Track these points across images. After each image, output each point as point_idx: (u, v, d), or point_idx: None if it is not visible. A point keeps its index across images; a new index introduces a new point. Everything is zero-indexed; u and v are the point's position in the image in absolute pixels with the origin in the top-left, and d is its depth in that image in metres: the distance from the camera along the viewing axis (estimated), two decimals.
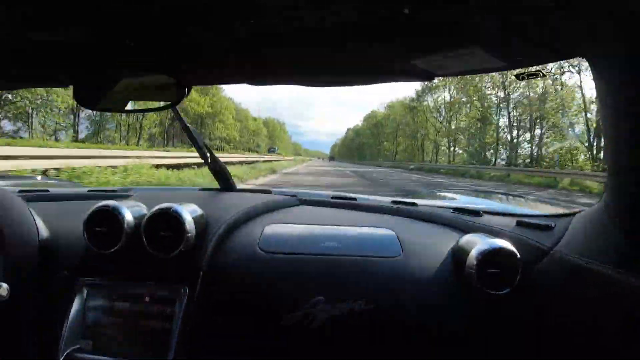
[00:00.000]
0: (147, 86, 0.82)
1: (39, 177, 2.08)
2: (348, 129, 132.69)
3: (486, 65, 0.63)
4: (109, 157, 10.55)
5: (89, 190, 1.38)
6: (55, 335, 0.80)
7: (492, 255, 0.78)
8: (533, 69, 0.67)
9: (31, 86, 1.08)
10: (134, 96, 0.85)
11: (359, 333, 0.81)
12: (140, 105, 0.87)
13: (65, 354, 0.79)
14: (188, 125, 1.16)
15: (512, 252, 0.79)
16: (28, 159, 7.21)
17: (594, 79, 0.60)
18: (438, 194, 1.67)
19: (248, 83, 0.81)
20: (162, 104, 0.84)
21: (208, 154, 1.24)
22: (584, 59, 0.59)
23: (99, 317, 0.83)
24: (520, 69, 0.68)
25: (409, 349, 0.82)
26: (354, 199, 1.21)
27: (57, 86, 0.94)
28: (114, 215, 0.82)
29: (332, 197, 1.23)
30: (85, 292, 0.84)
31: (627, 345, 0.62)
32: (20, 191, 1.27)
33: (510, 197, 1.58)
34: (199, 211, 0.92)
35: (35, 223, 0.87)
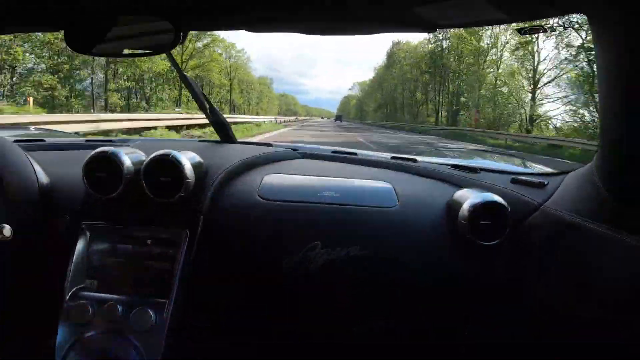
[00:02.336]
0: (141, 30, 0.80)
1: (32, 128, 2.06)
2: (354, 84, 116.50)
3: (488, 17, 0.62)
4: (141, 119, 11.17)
5: (86, 140, 1.38)
6: (60, 275, 0.83)
7: (483, 208, 0.82)
8: (536, 23, 0.66)
9: (22, 30, 1.05)
10: (128, 40, 0.82)
11: (355, 276, 0.86)
12: (132, 49, 0.84)
13: (71, 292, 0.82)
14: (186, 75, 1.13)
15: (503, 206, 0.82)
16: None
17: (592, 37, 0.60)
18: (439, 151, 1.68)
19: (246, 29, 0.79)
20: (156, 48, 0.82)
21: (207, 105, 1.22)
22: (584, 15, 0.58)
23: (103, 259, 0.86)
24: (522, 23, 0.67)
25: (401, 293, 0.87)
26: (355, 153, 1.23)
27: (49, 30, 0.91)
28: (113, 160, 0.82)
29: (332, 152, 1.24)
30: (88, 234, 0.86)
31: (612, 298, 0.66)
32: (17, 140, 1.27)
33: (510, 156, 1.60)
34: (198, 158, 0.93)
35: (34, 169, 0.87)
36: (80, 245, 0.85)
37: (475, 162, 1.38)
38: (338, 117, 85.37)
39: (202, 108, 1.22)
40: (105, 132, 8.70)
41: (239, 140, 1.33)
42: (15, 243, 0.76)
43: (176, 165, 0.83)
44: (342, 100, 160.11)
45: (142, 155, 0.89)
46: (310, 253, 0.85)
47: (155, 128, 11.00)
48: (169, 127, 11.68)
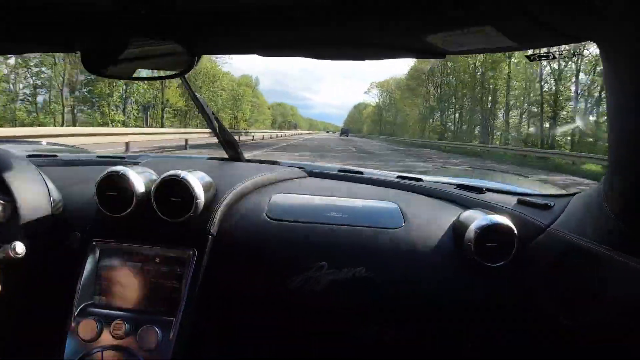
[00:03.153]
0: (156, 54, 0.82)
1: (44, 142, 2.09)
2: (372, 84, 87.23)
3: (498, 45, 0.62)
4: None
5: (97, 156, 1.40)
6: (70, 291, 0.84)
7: (490, 230, 0.82)
8: (544, 50, 0.67)
9: (39, 50, 1.07)
10: (142, 64, 0.84)
11: (360, 297, 0.86)
12: (148, 73, 0.86)
13: (79, 308, 0.83)
14: (196, 94, 1.16)
15: (509, 228, 0.82)
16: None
17: (602, 62, 0.60)
18: (445, 170, 1.69)
19: (258, 54, 0.80)
20: (170, 72, 0.83)
21: (216, 124, 1.24)
22: (594, 43, 0.59)
23: (112, 276, 0.87)
24: (532, 50, 0.68)
25: (406, 315, 0.87)
26: (361, 172, 1.23)
27: (65, 51, 0.93)
28: (125, 180, 0.84)
29: (339, 170, 1.25)
30: (98, 252, 0.87)
31: (618, 322, 0.65)
32: (29, 155, 1.29)
33: (516, 176, 1.60)
34: (208, 178, 0.94)
35: (47, 186, 0.89)
36: (90, 262, 0.86)
37: (480, 182, 1.38)
38: (344, 132, 73.23)
39: (211, 127, 1.23)
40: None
41: (247, 158, 1.35)
42: (28, 260, 0.77)
43: (186, 186, 0.84)
44: (351, 111, 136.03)
45: (152, 175, 0.91)
46: (317, 273, 0.85)
47: None
48: None
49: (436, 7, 0.55)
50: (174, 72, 0.82)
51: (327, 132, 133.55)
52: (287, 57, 0.81)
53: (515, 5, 0.51)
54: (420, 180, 1.16)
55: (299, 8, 0.63)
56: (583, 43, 0.62)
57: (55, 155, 1.33)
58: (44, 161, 1.26)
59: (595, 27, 0.55)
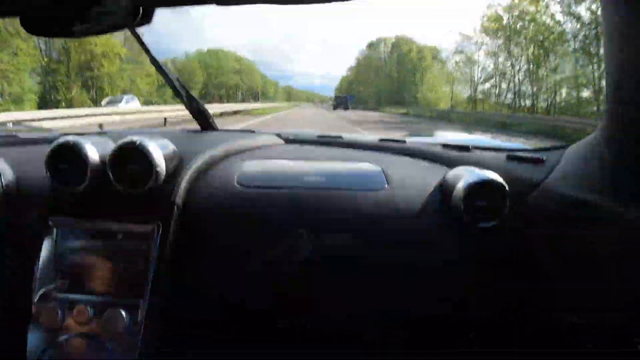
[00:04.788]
0: (98, 6, 0.73)
1: (11, 125, 1.99)
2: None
3: None
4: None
5: (60, 135, 1.32)
6: (28, 276, 0.78)
7: (479, 188, 0.77)
8: None
9: None
10: (84, 17, 0.76)
11: (345, 264, 0.81)
12: (91, 27, 0.78)
13: (39, 294, 0.77)
14: (157, 59, 1.07)
15: (500, 184, 0.77)
16: None
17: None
18: (429, 132, 1.65)
19: (216, 3, 0.72)
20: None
21: (184, 92, 1.16)
22: None
23: (73, 257, 0.81)
24: None
25: (395, 278, 0.83)
26: (340, 137, 1.17)
27: (5, 17, 0.85)
28: (77, 151, 0.77)
29: (317, 136, 1.18)
30: (56, 232, 0.81)
31: (620, 277, 0.62)
32: None
33: (504, 136, 1.57)
34: (171, 146, 0.87)
35: None
36: (47, 243, 0.80)
37: (467, 140, 1.33)
38: (340, 102, 42.10)
39: (178, 96, 1.15)
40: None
41: (220, 128, 1.27)
42: None
43: (144, 153, 0.77)
44: (341, 79, 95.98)
45: (109, 144, 0.83)
46: (296, 242, 0.79)
47: None
48: None
49: None
50: (120, 24, 0.73)
51: (313, 103, 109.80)
52: (247, 5, 0.72)
53: None
54: (403, 142, 1.10)
55: None
56: None
57: (15, 135, 1.24)
58: (1, 141, 1.17)
59: None
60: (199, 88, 39.37)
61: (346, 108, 39.87)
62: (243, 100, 52.61)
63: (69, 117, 9.27)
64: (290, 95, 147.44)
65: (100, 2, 0.70)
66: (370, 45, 65.40)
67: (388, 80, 56.16)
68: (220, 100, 46.25)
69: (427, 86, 45.76)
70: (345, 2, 0.69)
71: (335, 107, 41.17)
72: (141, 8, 0.69)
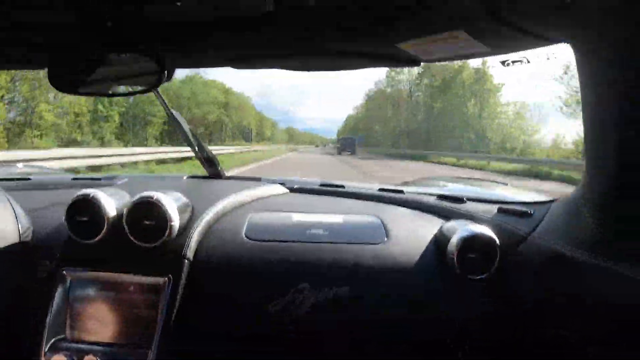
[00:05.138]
0: (127, 69, 0.80)
1: (20, 165, 2.03)
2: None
3: (471, 51, 0.62)
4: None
5: (72, 179, 1.36)
6: (39, 325, 0.79)
7: (471, 241, 0.81)
8: (519, 54, 0.67)
9: (5, 68, 1.05)
10: (113, 79, 0.82)
11: (344, 317, 0.83)
12: (120, 89, 0.84)
13: (50, 343, 0.78)
14: (172, 111, 1.13)
15: (490, 238, 0.81)
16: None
17: (577, 66, 0.61)
18: (426, 181, 1.69)
19: (231, 66, 0.79)
20: (140, 88, 0.81)
21: (194, 141, 1.22)
22: (569, 45, 0.59)
23: (84, 307, 0.82)
24: (506, 55, 0.68)
25: (392, 333, 0.84)
26: (342, 186, 1.22)
27: (32, 68, 0.91)
28: (96, 203, 0.80)
29: (320, 185, 1.23)
30: (69, 282, 0.82)
31: (603, 327, 0.64)
32: (1, 179, 1.24)
33: (495, 183, 1.61)
34: (184, 199, 0.91)
35: (15, 214, 0.84)
36: (59, 292, 0.81)
37: (461, 190, 1.38)
38: (345, 145, 35.85)
39: (189, 145, 1.21)
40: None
41: (227, 175, 1.32)
42: None
43: (160, 208, 0.80)
44: (345, 119, 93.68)
45: (125, 197, 0.87)
46: (299, 295, 0.81)
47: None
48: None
49: (406, 14, 0.55)
50: (146, 86, 0.79)
51: (316, 146, 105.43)
52: (259, 70, 0.80)
53: (485, 7, 0.51)
54: (401, 192, 1.15)
55: (269, 20, 0.62)
56: (556, 46, 0.62)
57: (28, 179, 1.28)
58: (16, 185, 1.21)
59: (568, 28, 0.55)
60: (158, 122, 28.07)
61: (353, 152, 32.88)
62: (224, 141, 40.34)
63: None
64: (292, 137, 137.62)
65: (130, 67, 0.77)
66: (389, 73, 48.48)
67: (415, 113, 40.85)
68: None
69: (492, 119, 31.64)
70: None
71: (340, 151, 33.69)
72: (166, 72, 0.75)
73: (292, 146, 72.03)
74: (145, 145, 21.84)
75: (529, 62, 0.68)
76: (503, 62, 0.68)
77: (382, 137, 47.11)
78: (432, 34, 0.57)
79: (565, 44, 0.60)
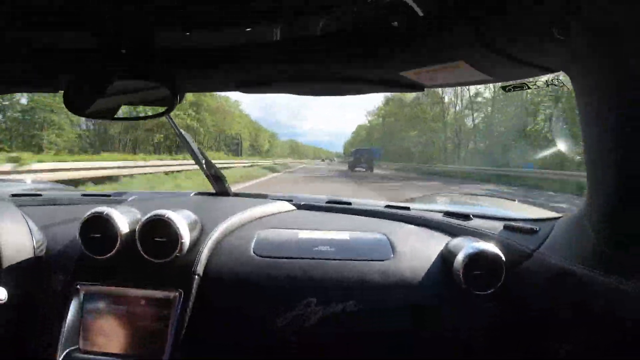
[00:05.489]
0: (139, 93, 0.82)
1: (29, 181, 2.07)
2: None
3: (472, 79, 0.64)
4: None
5: (82, 194, 1.38)
6: (53, 336, 0.81)
7: (477, 258, 0.82)
8: (519, 81, 0.69)
9: (20, 91, 1.08)
10: (125, 103, 0.84)
11: (351, 332, 0.84)
12: (132, 113, 0.87)
13: (64, 354, 0.80)
14: (181, 131, 1.16)
15: (496, 255, 0.83)
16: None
17: (575, 90, 0.62)
18: (432, 197, 1.70)
19: (240, 91, 0.82)
20: (154, 111, 0.83)
21: (202, 159, 1.24)
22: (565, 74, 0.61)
23: (97, 319, 0.84)
24: (506, 82, 0.70)
25: (399, 348, 0.85)
26: (349, 203, 1.23)
27: (47, 91, 0.94)
28: (109, 221, 0.83)
29: (327, 202, 1.24)
30: (82, 295, 0.85)
31: (607, 344, 0.65)
32: (13, 195, 1.27)
33: (502, 200, 1.61)
34: (193, 217, 0.93)
35: (29, 228, 0.87)
36: (73, 305, 0.84)
37: (467, 208, 1.39)
38: (360, 158, 26.57)
39: (198, 163, 1.23)
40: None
41: (234, 192, 1.34)
42: (9, 305, 0.74)
43: (171, 225, 0.83)
44: (353, 134, 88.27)
45: (137, 214, 0.89)
46: (306, 310, 0.83)
47: None
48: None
49: (409, 44, 0.57)
50: (157, 112, 0.82)
51: (322, 160, 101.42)
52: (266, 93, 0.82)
53: (484, 41, 0.53)
54: (407, 209, 1.16)
55: (277, 48, 0.65)
56: (555, 74, 0.64)
57: (40, 195, 1.31)
58: (28, 201, 1.23)
59: (562, 59, 0.57)
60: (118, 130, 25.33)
61: (370, 168, 25.42)
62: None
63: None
64: (295, 150, 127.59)
65: (144, 92, 0.80)
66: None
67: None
68: (158, 150, 27.77)
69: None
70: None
71: (352, 167, 26.14)
72: (179, 96, 0.78)
73: (291, 160, 63.78)
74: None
75: (529, 88, 0.70)
76: (504, 88, 0.70)
77: (402, 152, 39.02)
78: (432, 65, 0.59)
79: (561, 72, 0.62)
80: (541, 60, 0.59)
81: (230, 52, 0.69)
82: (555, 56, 0.57)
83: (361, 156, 26.64)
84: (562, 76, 0.64)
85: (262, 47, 0.66)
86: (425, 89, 0.72)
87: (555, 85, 0.64)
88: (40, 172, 7.50)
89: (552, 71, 0.63)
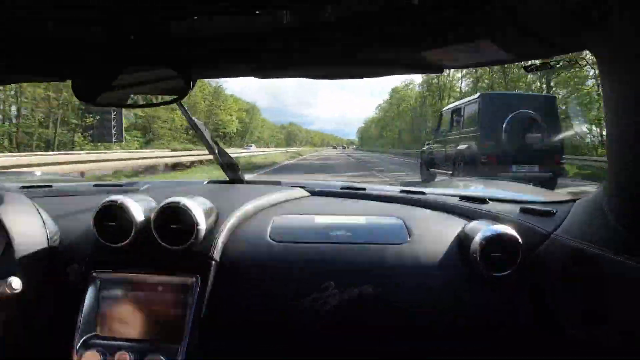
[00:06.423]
0: (151, 80, 0.81)
1: (39, 173, 2.08)
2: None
3: (495, 58, 0.63)
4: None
5: (94, 185, 1.38)
6: (71, 325, 0.82)
7: (494, 240, 0.82)
8: (542, 61, 0.67)
9: (29, 80, 1.07)
10: (137, 90, 0.83)
11: (368, 316, 0.84)
12: (144, 100, 0.86)
13: (81, 340, 0.81)
14: (194, 119, 1.15)
15: (513, 237, 0.82)
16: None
17: (599, 70, 0.61)
18: (447, 182, 1.69)
19: (254, 76, 0.80)
20: (166, 98, 0.82)
21: (215, 147, 1.24)
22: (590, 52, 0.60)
23: (114, 306, 0.85)
24: (527, 62, 0.68)
25: (416, 331, 0.85)
26: (363, 189, 1.23)
27: (56, 80, 0.93)
28: (123, 209, 0.83)
29: (341, 188, 1.24)
30: (99, 283, 0.85)
31: (626, 327, 0.64)
32: (23, 187, 1.27)
33: (517, 184, 1.61)
34: (209, 204, 0.93)
35: (42, 219, 0.87)
36: (90, 293, 0.84)
37: (483, 191, 1.38)
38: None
39: (210, 151, 1.22)
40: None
41: (247, 179, 1.33)
42: (25, 295, 0.75)
43: (187, 212, 0.82)
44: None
45: (152, 203, 0.89)
46: (323, 294, 0.83)
47: None
48: None
49: (432, 23, 0.55)
50: (169, 99, 0.81)
51: (334, 147, 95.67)
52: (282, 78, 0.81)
53: (510, 18, 0.52)
54: (422, 193, 1.15)
55: (293, 29, 0.63)
56: (579, 53, 0.62)
57: (51, 186, 1.31)
58: (39, 192, 1.24)
59: (590, 37, 0.55)
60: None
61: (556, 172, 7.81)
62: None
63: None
64: (293, 138, 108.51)
65: (155, 80, 0.79)
66: None
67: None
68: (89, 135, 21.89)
69: None
70: None
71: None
72: (191, 82, 0.77)
73: (284, 151, 40.66)
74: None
75: (552, 67, 0.68)
76: (526, 68, 0.68)
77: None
78: (456, 43, 0.58)
79: (589, 51, 0.61)
80: (573, 40, 0.57)
81: (245, 38, 0.67)
82: (589, 37, 0.55)
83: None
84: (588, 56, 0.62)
85: (277, 31, 0.64)
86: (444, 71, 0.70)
87: (579, 65, 0.62)
88: None
89: (577, 50, 0.61)
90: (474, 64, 0.66)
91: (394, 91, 53.64)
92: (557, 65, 0.67)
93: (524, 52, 0.63)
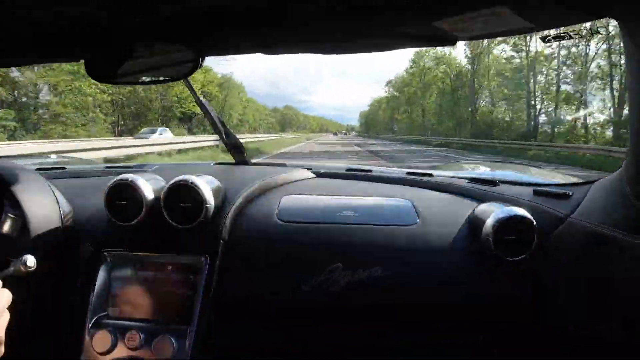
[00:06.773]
0: (159, 57, 0.81)
1: (54, 156, 2.11)
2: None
3: (512, 27, 0.60)
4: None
5: (105, 167, 1.40)
6: (83, 303, 0.83)
7: (508, 223, 0.79)
8: (561, 30, 0.64)
9: (41, 62, 1.08)
10: (146, 68, 0.83)
11: (377, 297, 0.84)
12: (152, 77, 0.85)
13: (93, 320, 0.82)
14: (201, 99, 1.15)
15: (528, 220, 0.80)
16: None
17: (623, 42, 0.58)
18: (455, 165, 1.66)
19: (263, 52, 0.79)
20: (175, 75, 0.82)
21: (222, 128, 1.23)
22: (613, 19, 0.57)
23: (125, 286, 0.86)
24: (547, 31, 0.65)
25: (425, 314, 0.85)
26: (369, 170, 1.21)
27: (68, 61, 0.94)
28: (134, 187, 0.83)
29: (347, 170, 1.23)
30: (110, 262, 0.87)
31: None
32: (38, 169, 1.29)
33: (528, 167, 1.57)
34: (217, 182, 0.93)
35: (57, 198, 0.88)
36: (102, 273, 0.86)
37: (493, 174, 1.35)
38: None
39: (217, 131, 1.22)
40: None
41: (253, 161, 1.33)
42: (39, 273, 0.76)
43: (196, 190, 0.83)
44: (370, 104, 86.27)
45: (161, 181, 0.90)
46: (332, 275, 0.83)
47: None
48: None
49: None
50: (178, 75, 0.80)
51: (335, 134, 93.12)
52: (294, 55, 0.79)
53: None
54: (430, 175, 1.14)
55: (300, 4, 0.62)
56: (600, 21, 0.59)
57: (64, 168, 1.33)
58: (53, 174, 1.26)
59: (616, 2, 0.53)
60: None
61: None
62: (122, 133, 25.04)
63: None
64: (288, 122, 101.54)
65: (164, 57, 0.78)
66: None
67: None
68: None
69: None
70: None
71: None
72: (200, 59, 0.76)
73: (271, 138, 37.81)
74: None
75: (571, 37, 0.65)
76: (543, 38, 0.66)
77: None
78: (473, 11, 0.55)
79: (612, 18, 0.58)
80: (594, 3, 0.54)
81: (254, 12, 0.66)
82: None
83: None
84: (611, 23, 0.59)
85: (285, 5, 0.63)
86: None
87: (599, 33, 0.60)
88: None
89: (599, 17, 0.59)
90: (488, 34, 0.64)
91: (418, 56, 45.66)
92: (576, 35, 0.64)
93: (543, 19, 0.60)
